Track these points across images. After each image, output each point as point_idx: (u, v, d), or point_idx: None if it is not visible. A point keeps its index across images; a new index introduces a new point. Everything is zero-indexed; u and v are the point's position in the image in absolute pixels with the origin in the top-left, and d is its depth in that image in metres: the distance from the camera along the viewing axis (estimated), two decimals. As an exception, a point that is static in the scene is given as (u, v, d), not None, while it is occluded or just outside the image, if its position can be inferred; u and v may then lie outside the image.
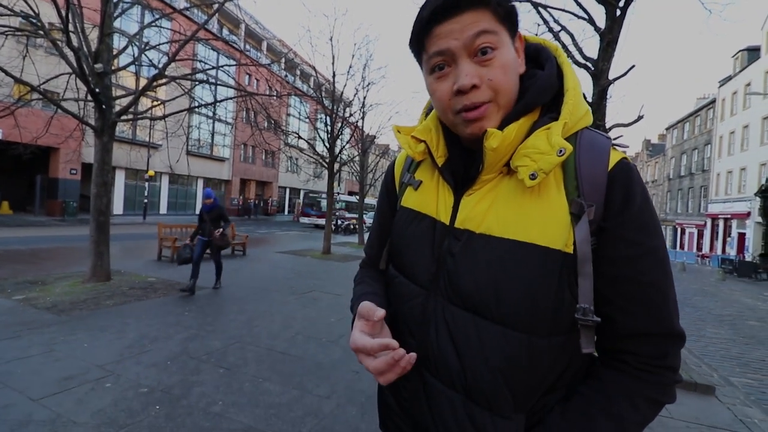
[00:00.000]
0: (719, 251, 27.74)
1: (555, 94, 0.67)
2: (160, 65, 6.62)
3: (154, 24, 7.27)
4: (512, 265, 0.60)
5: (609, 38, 4.80)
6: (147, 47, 7.20)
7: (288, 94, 10.35)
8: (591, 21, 5.15)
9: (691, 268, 23.65)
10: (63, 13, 5.07)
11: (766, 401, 3.99)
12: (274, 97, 9.44)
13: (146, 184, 22.21)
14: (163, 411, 2.68)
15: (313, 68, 12.20)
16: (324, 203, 24.06)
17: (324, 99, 12.15)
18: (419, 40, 0.65)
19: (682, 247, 34.05)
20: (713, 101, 30.89)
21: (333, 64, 12.09)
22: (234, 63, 9.62)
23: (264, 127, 9.54)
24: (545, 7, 5.35)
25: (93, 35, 6.28)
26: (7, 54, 6.29)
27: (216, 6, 6.83)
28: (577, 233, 0.59)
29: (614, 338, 0.63)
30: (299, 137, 12.79)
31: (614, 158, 0.62)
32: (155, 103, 7.99)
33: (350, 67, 12.64)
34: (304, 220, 26.80)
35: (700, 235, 31.63)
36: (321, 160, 12.65)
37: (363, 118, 14.65)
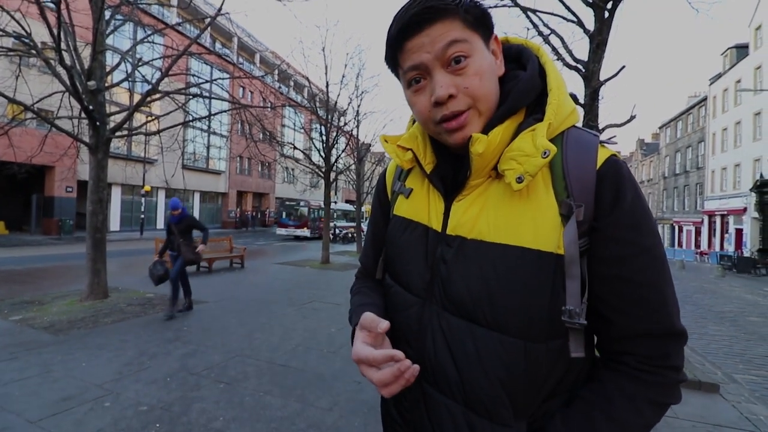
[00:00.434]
0: (717, 248, 27.81)
1: (539, 94, 0.66)
2: (154, 80, 6.65)
3: (146, 40, 7.31)
4: (504, 270, 0.60)
5: (598, 40, 4.85)
6: (140, 63, 7.23)
7: (282, 105, 10.39)
8: (580, 23, 5.21)
9: (690, 265, 23.69)
10: (55, 32, 5.09)
11: (771, 397, 3.97)
12: (269, 109, 9.49)
13: (142, 199, 22.15)
14: (164, 429, 2.64)
15: (307, 79, 12.26)
16: (304, 210, 23.67)
17: (318, 109, 12.21)
18: (393, 57, 0.65)
19: (680, 245, 34.13)
20: (704, 99, 31.21)
21: (326, 74, 12.16)
22: (227, 76, 9.68)
23: (259, 138, 9.57)
24: (534, 11, 5.41)
25: (85, 53, 6.31)
26: (0, 74, 6.31)
27: (207, 20, 6.88)
28: (565, 234, 0.58)
29: (614, 340, 0.62)
30: (295, 148, 12.82)
31: (602, 156, 0.61)
32: (149, 118, 8.01)
33: (343, 76, 12.78)
34: (281, 231, 24.13)
35: (698, 233, 31.73)
36: (317, 170, 12.67)
37: (358, 126, 14.72)
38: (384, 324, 0.63)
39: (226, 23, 10.98)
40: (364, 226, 22.93)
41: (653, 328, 0.58)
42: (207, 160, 28.39)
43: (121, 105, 12.69)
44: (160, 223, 25.20)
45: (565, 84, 0.66)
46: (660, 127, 39.79)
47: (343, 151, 13.61)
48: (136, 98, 13.69)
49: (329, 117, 12.10)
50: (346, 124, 14.24)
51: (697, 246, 31.13)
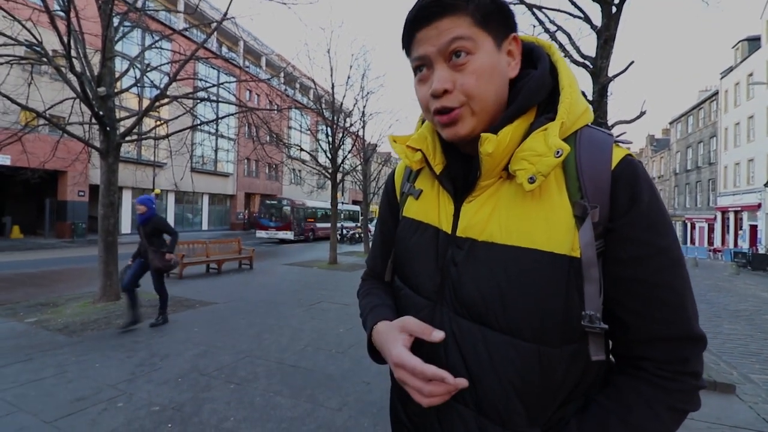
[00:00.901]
0: (731, 245, 27.30)
1: (551, 93, 0.65)
2: (162, 85, 6.73)
3: (154, 46, 7.41)
4: (517, 273, 0.59)
5: (606, 36, 4.80)
6: (148, 69, 7.33)
7: (288, 108, 10.47)
8: (587, 19, 5.16)
9: (703, 263, 23.29)
10: (65, 39, 5.18)
11: (789, 396, 3.88)
12: (275, 111, 9.54)
13: (153, 202, 22.40)
14: (176, 429, 2.67)
15: (312, 81, 12.33)
16: (287, 210, 21.92)
17: (324, 110, 12.26)
18: (406, 45, 0.66)
19: (693, 242, 33.59)
20: (716, 93, 30.68)
21: (331, 75, 12.22)
22: (234, 80, 9.76)
23: (266, 141, 9.63)
24: (540, 8, 5.37)
25: (95, 59, 6.41)
26: (13, 82, 6.44)
27: (214, 25, 6.95)
28: (581, 236, 0.57)
29: (630, 344, 0.60)
30: (301, 149, 12.90)
31: (617, 155, 0.60)
32: (158, 122, 8.10)
33: (348, 77, 12.77)
34: (261, 233, 21.89)
35: (711, 229, 31.19)
36: (324, 171, 12.72)
37: (364, 127, 14.75)
38: (440, 334, 0.62)
39: (232, 27, 11.08)
40: (371, 227, 22.89)
41: (671, 332, 0.57)
42: (215, 163, 28.65)
43: (130, 110, 12.87)
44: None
45: (577, 82, 0.65)
46: (670, 123, 39.20)
47: (349, 152, 13.65)
48: (145, 103, 13.88)
49: (335, 118, 12.15)
50: (352, 125, 14.28)
51: (710, 243, 30.61)
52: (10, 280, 8.42)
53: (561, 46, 5.25)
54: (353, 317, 5.72)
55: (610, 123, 5.05)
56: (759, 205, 24.01)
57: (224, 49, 28.53)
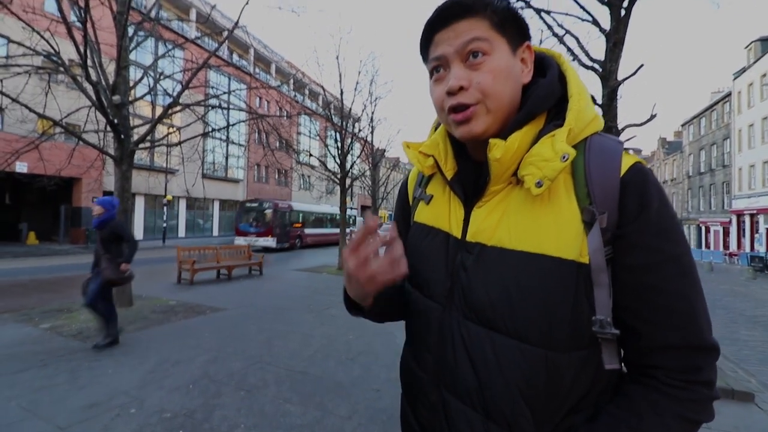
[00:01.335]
0: (747, 248, 26.68)
1: (560, 100, 0.66)
2: (175, 93, 6.84)
3: (167, 54, 7.55)
4: (525, 278, 0.59)
5: (615, 39, 4.76)
6: (162, 77, 7.47)
7: (298, 114, 10.56)
8: (595, 23, 5.13)
9: (718, 267, 22.79)
10: (81, 49, 5.31)
11: (811, 407, 3.76)
12: (285, 118, 9.63)
13: (164, 208, 22.73)
14: (186, 436, 2.68)
15: (321, 87, 12.42)
16: (269, 214, 19.31)
17: (333, 116, 12.33)
18: (425, 47, 0.68)
19: (707, 246, 32.90)
20: (729, 94, 30.16)
21: (340, 81, 12.29)
22: (245, 87, 9.89)
23: (276, 147, 9.72)
24: (548, 12, 5.36)
25: (110, 68, 6.55)
26: (30, 91, 6.60)
27: (225, 33, 7.06)
28: (590, 242, 0.57)
29: (641, 352, 0.60)
30: (310, 155, 12.98)
31: (627, 163, 0.60)
32: (171, 130, 8.23)
33: (357, 83, 12.83)
34: (240, 240, 18.51)
35: (726, 233, 30.53)
36: (332, 176, 12.78)
37: (372, 132, 14.81)
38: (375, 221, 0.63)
39: (243, 35, 11.26)
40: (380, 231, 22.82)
41: (683, 340, 0.56)
42: (226, 169, 28.98)
43: (143, 117, 13.11)
44: (182, 232, 25.81)
45: (586, 90, 0.66)
46: (682, 125, 38.61)
47: (358, 157, 13.70)
48: (158, 111, 14.14)
49: (344, 124, 12.21)
50: (360, 130, 14.34)
51: (726, 247, 29.94)
52: (25, 286, 8.59)
53: (569, 50, 5.22)
54: (363, 323, 5.71)
55: (620, 126, 5.00)
56: (776, 208, 23.47)
57: (235, 57, 28.94)
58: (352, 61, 46.64)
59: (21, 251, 15.35)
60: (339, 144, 12.21)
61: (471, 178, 0.70)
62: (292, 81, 14.46)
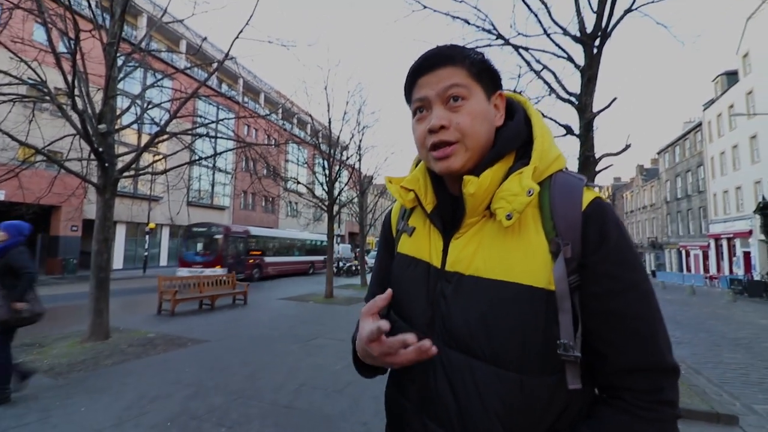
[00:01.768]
0: (726, 271, 27.35)
1: (526, 141, 0.73)
2: (162, 122, 6.87)
3: (156, 84, 7.63)
4: (499, 305, 0.63)
5: (589, 74, 5.03)
6: (150, 106, 7.51)
7: (286, 142, 10.67)
8: (570, 59, 5.42)
9: (700, 290, 23.21)
10: (69, 79, 5.33)
11: (797, 430, 3.78)
12: (273, 146, 9.72)
13: (146, 237, 22.26)
14: (163, 478, 2.54)
15: (310, 116, 12.64)
16: (219, 240, 16.87)
17: (321, 144, 12.50)
18: (409, 89, 0.75)
19: (688, 269, 33.61)
20: (699, 124, 31.75)
21: (328, 111, 12.54)
22: (233, 116, 10.00)
23: (263, 174, 9.74)
24: (526, 48, 5.65)
25: (97, 97, 6.57)
26: (13, 119, 6.54)
27: (215, 64, 7.20)
28: (555, 271, 0.62)
29: (609, 375, 0.63)
30: (298, 182, 13.01)
31: (588, 198, 0.66)
32: (157, 158, 8.20)
33: (345, 113, 13.12)
34: (183, 271, 16.13)
35: (705, 257, 31.32)
36: (320, 204, 12.80)
37: (360, 160, 15.01)
38: (385, 325, 0.63)
39: (233, 66, 11.46)
40: (367, 258, 22.49)
41: (645, 362, 0.60)
42: (212, 197, 28.73)
43: (129, 145, 13.03)
44: (164, 260, 25.18)
45: (549, 131, 0.73)
46: (658, 153, 40.22)
47: (345, 185, 13.78)
48: (144, 139, 14.10)
49: (332, 152, 12.36)
50: (348, 158, 14.51)
51: (706, 270, 30.63)
52: (-4, 318, 8.18)
53: (547, 84, 5.48)
54: (350, 353, 5.59)
55: (597, 156, 5.20)
56: (750, 232, 24.26)
57: (224, 86, 29.36)
58: (340, 92, 48.06)
59: (-7, 282, 14.69)
60: (327, 171, 12.31)
61: (449, 211, 0.75)
62: (280, 110, 14.66)
